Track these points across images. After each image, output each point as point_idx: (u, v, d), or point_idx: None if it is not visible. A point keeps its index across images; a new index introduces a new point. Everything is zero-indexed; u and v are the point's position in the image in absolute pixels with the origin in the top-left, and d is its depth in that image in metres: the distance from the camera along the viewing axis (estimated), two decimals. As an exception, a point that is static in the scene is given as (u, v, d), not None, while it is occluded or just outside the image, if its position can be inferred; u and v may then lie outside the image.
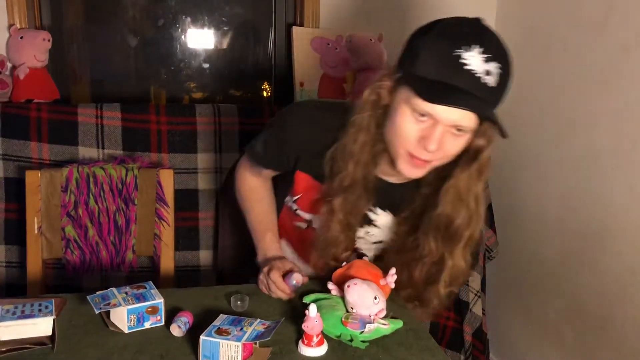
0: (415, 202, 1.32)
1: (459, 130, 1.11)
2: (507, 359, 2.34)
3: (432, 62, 1.08)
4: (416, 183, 1.28)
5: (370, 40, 2.30)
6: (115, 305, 1.17)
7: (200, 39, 2.49)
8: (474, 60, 1.05)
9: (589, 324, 1.85)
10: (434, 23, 1.11)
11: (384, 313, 1.20)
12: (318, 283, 1.38)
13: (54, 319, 1.14)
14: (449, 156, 1.17)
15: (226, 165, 2.09)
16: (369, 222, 1.38)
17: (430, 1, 2.37)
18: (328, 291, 1.30)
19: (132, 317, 1.18)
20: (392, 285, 1.29)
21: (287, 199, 1.47)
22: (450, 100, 1.06)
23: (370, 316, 1.18)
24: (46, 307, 1.18)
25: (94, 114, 2.01)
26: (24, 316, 1.14)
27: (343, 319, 1.17)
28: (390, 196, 1.33)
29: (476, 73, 1.05)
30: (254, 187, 1.51)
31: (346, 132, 1.23)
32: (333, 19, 2.37)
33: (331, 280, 1.31)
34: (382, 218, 1.38)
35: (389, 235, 1.41)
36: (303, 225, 1.46)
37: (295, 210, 1.44)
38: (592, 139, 1.83)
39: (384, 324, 1.17)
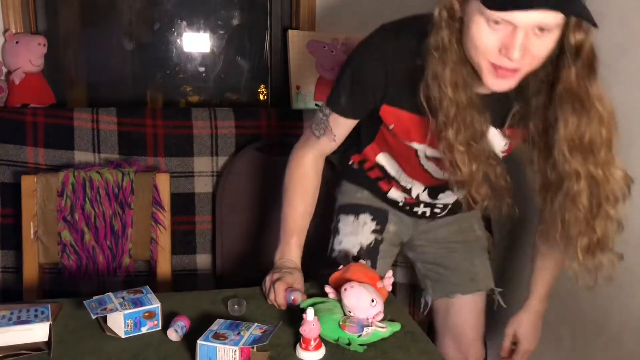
0: (526, 113, 1.21)
1: (542, 30, 1.02)
2: (505, 361, 2.34)
3: None
4: (517, 90, 1.17)
5: (366, 43, 2.30)
6: (112, 310, 1.17)
7: (196, 42, 2.49)
8: None
9: (586, 327, 1.85)
10: None
11: (381, 316, 1.19)
12: (316, 286, 1.38)
13: (50, 325, 1.13)
14: (538, 58, 1.07)
15: (222, 169, 2.09)
16: None
17: (426, 5, 2.36)
18: (325, 295, 1.29)
19: (129, 322, 1.17)
20: (389, 288, 1.29)
21: (382, 126, 1.40)
22: (521, 4, 0.97)
23: (367, 319, 1.18)
24: (42, 312, 1.17)
25: (89, 118, 2.01)
26: (20, 322, 1.13)
27: (341, 323, 1.17)
28: (489, 110, 1.21)
29: None
30: (306, 175, 1.43)
31: (430, 58, 1.14)
32: (329, 22, 2.37)
33: (328, 284, 1.31)
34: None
35: (501, 148, 1.33)
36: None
37: (394, 135, 1.39)
38: (589, 141, 1.83)
39: (382, 327, 1.17)
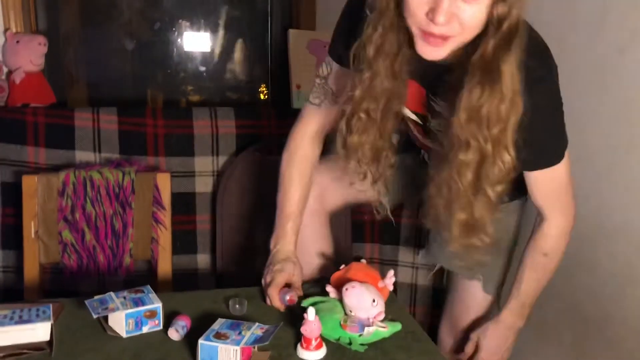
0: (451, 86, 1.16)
1: None
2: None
3: None
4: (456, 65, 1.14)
5: (367, 42, 2.30)
6: (113, 310, 1.17)
7: (196, 42, 2.50)
8: None
9: (587, 325, 1.86)
10: None
11: (382, 316, 1.19)
12: (317, 286, 1.38)
13: (51, 324, 1.14)
14: (469, 28, 1.04)
15: (223, 169, 2.09)
16: (439, 114, 1.25)
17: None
18: (327, 294, 1.29)
19: (130, 321, 1.17)
20: (391, 288, 1.29)
21: None
22: None
23: (368, 319, 1.18)
24: (44, 312, 1.17)
25: (90, 117, 2.01)
26: (21, 321, 1.13)
27: (342, 322, 1.17)
28: (438, 81, 1.19)
29: None
30: (305, 156, 1.43)
31: (368, 18, 1.12)
32: (329, 21, 2.36)
33: (329, 283, 1.31)
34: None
35: None
36: None
37: None
38: (588, 140, 1.83)
39: (383, 327, 1.17)
